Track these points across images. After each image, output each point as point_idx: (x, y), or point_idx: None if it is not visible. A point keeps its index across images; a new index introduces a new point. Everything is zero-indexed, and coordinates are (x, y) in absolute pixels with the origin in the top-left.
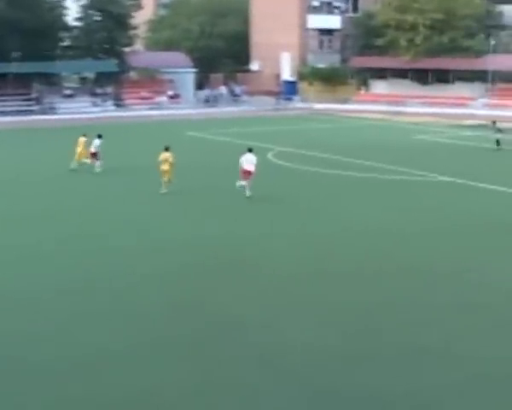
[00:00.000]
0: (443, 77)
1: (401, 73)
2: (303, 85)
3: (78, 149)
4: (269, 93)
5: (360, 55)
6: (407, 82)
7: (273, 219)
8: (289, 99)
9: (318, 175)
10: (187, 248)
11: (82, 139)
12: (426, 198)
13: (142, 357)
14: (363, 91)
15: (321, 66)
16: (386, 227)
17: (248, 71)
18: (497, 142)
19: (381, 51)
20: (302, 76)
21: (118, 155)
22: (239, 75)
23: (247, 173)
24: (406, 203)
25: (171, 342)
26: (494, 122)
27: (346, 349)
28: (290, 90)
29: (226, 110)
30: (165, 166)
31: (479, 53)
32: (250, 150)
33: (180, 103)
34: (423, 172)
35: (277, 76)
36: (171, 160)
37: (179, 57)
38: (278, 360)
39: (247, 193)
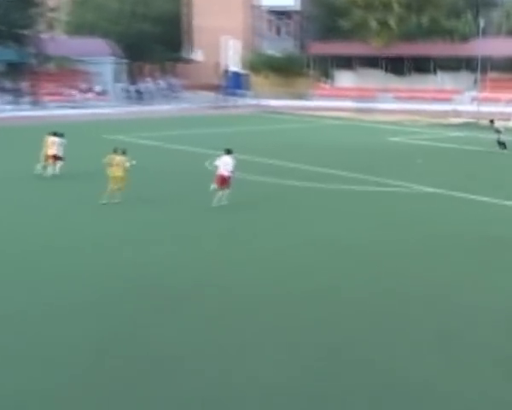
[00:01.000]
0: (422, 66)
1: (372, 62)
2: (252, 78)
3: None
4: (212, 87)
5: (322, 40)
6: (379, 73)
7: (218, 243)
8: (235, 94)
9: (269, 187)
10: (120, 275)
11: (51, 139)
12: (401, 213)
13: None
14: (325, 85)
15: (274, 54)
16: (353, 246)
17: (189, 61)
18: (502, 144)
19: (347, 36)
20: (251, 66)
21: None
22: (178, 66)
23: (223, 180)
24: (377, 219)
25: (97, 383)
26: (492, 121)
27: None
28: (236, 83)
29: (161, 108)
30: (118, 172)
31: (465, 36)
32: (228, 152)
33: (107, 100)
34: (399, 181)
35: (222, 67)
36: (126, 164)
37: (105, 45)
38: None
39: (215, 202)
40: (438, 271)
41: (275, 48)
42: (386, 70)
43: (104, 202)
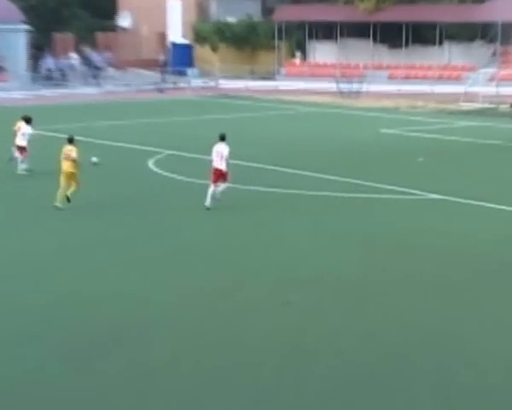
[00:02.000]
0: (424, 35)
1: (359, 31)
2: (203, 52)
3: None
4: (149, 64)
5: (293, 2)
6: (368, 45)
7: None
8: (182, 73)
9: (228, 194)
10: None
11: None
12: (399, 228)
13: None
14: (298, 60)
15: (231, 20)
16: (331, 274)
17: (114, 29)
18: None
19: None
20: (201, 37)
21: None
22: (99, 36)
23: (219, 174)
24: (367, 238)
25: None
26: None
27: None
28: (183, 58)
29: (79, 92)
30: (67, 167)
31: None
32: (222, 138)
33: (7, 81)
34: (395, 185)
35: (162, 37)
36: (74, 155)
37: (13, 8)
38: None
39: (209, 201)
40: (451, 313)
41: (231, 12)
42: (378, 41)
43: (58, 204)
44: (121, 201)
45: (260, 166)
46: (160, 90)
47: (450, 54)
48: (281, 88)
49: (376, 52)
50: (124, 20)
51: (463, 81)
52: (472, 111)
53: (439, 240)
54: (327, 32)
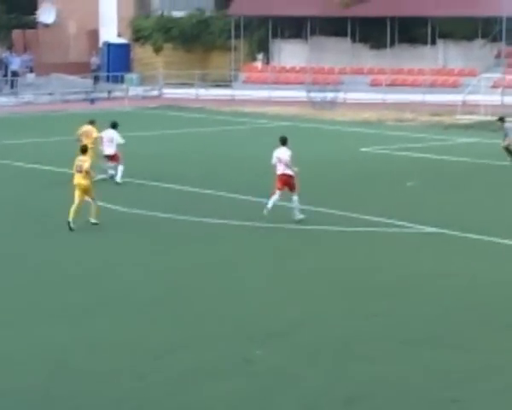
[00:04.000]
0: (414, 33)
1: (333, 28)
2: (143, 53)
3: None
4: (78, 69)
5: None
6: (345, 44)
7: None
8: (118, 79)
9: (155, 225)
10: None
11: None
12: (381, 268)
13: None
14: (259, 64)
15: (178, 15)
16: (303, 326)
17: (35, 26)
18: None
19: None
20: (142, 35)
21: None
22: (16, 34)
23: (285, 180)
24: (345, 278)
25: None
26: (502, 119)
27: None
28: (119, 61)
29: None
30: (79, 179)
31: None
32: (283, 142)
33: None
34: (381, 216)
35: (93, 35)
36: (86, 166)
37: None
38: None
39: (297, 216)
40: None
41: (177, 5)
42: (357, 40)
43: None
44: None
45: (211, 192)
46: (92, 101)
47: (446, 55)
48: (238, 97)
49: (356, 53)
50: (46, 15)
51: (461, 88)
52: (472, 125)
53: (435, 283)
54: (295, 29)
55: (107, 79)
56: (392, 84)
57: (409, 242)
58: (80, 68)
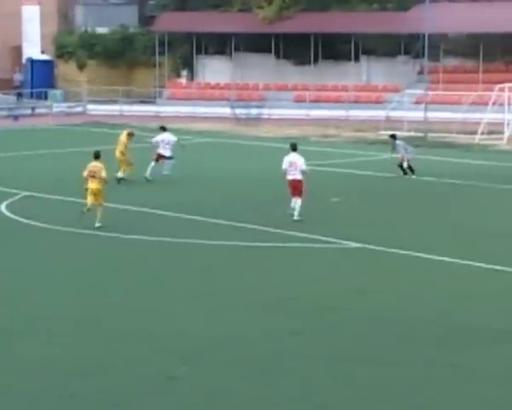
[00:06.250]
0: (337, 50)
1: (257, 44)
2: (67, 70)
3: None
4: (2, 85)
5: (177, 8)
6: (268, 61)
7: None
8: (42, 96)
9: (79, 241)
10: None
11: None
12: (304, 284)
13: None
14: (183, 80)
15: (101, 31)
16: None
17: None
18: (405, 168)
19: (219, 3)
20: (65, 52)
21: None
22: None
23: (296, 184)
24: (267, 294)
25: None
26: (394, 136)
27: None
28: (43, 78)
29: None
30: (94, 184)
31: (405, 2)
32: (294, 149)
33: None
34: (303, 232)
35: (17, 51)
36: (103, 174)
37: None
38: None
39: (296, 215)
40: None
41: (101, 21)
42: (281, 56)
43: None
44: None
45: (138, 209)
46: (16, 117)
47: (369, 72)
48: (163, 114)
49: (279, 70)
50: None
51: (385, 104)
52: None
53: (358, 299)
54: (219, 45)
55: (31, 95)
56: (316, 101)
57: (333, 257)
58: (3, 85)
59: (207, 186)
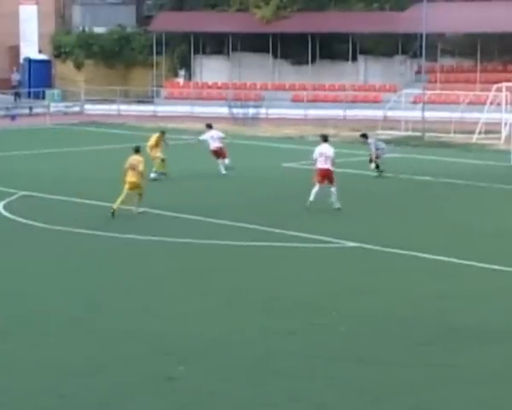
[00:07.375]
0: (334, 49)
1: (255, 44)
2: (64, 69)
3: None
4: (4, 85)
5: (174, 8)
6: (266, 60)
7: None
8: (39, 96)
9: (73, 241)
10: None
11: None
12: (302, 284)
13: None
14: (181, 80)
15: (99, 31)
16: (222, 345)
17: None
18: (372, 168)
19: (217, 3)
20: (63, 52)
21: None
22: None
23: (324, 174)
24: (265, 295)
25: None
26: (365, 136)
27: None
28: (41, 78)
29: None
30: (132, 177)
31: (402, 2)
32: (325, 139)
33: None
34: (302, 232)
35: (14, 51)
36: (141, 167)
37: None
38: None
39: (336, 205)
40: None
41: (98, 21)
42: (279, 56)
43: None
44: None
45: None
46: (13, 117)
47: (367, 71)
48: (160, 113)
49: (277, 69)
50: None
51: (382, 104)
52: (393, 140)
53: (356, 299)
54: (216, 45)
55: (29, 95)
56: (314, 100)
57: (330, 257)
58: (1, 84)
59: (205, 186)
